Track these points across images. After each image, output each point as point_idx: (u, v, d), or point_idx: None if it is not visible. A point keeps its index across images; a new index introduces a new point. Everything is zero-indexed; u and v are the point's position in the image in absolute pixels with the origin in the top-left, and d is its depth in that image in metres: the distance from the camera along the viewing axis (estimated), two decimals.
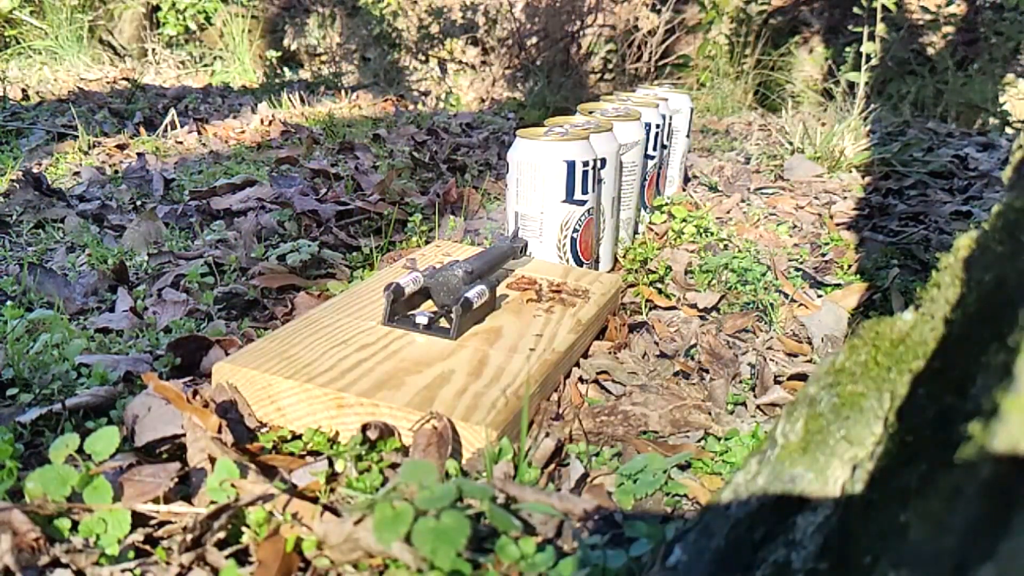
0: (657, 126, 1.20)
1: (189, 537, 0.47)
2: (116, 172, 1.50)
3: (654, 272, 1.03)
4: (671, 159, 1.37)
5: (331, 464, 0.57)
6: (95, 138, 1.74)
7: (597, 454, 0.63)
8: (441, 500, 0.45)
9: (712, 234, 1.18)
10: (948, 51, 2.98)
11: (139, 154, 1.61)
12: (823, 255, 1.14)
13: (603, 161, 0.99)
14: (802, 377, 0.78)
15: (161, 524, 0.52)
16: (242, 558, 0.49)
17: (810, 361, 0.83)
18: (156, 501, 0.52)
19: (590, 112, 1.14)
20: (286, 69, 3.62)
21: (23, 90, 2.27)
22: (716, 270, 1.03)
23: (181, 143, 1.79)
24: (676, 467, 0.61)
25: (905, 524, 0.32)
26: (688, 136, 1.42)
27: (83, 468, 0.51)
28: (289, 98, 2.38)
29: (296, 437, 0.63)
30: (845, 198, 1.41)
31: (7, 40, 2.94)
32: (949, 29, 3.05)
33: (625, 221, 1.15)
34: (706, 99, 2.93)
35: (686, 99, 1.40)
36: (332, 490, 0.55)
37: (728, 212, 1.33)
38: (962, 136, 2.14)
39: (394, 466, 0.58)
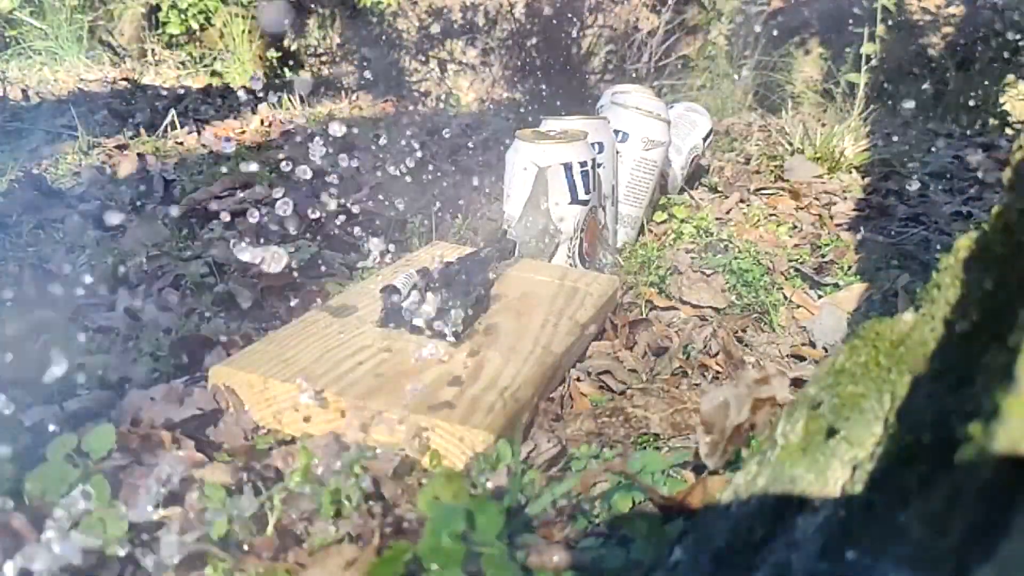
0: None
1: None
2: (116, 173, 1.50)
3: (654, 272, 1.03)
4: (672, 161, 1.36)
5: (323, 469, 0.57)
6: (95, 138, 1.74)
7: (598, 455, 0.63)
8: (448, 559, 0.42)
9: (712, 234, 1.18)
10: (948, 52, 2.98)
11: (139, 154, 1.60)
12: (823, 256, 1.14)
13: (600, 145, 0.99)
14: (802, 380, 0.78)
15: (159, 525, 0.51)
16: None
17: (803, 358, 0.83)
18: (155, 507, 0.52)
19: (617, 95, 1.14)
20: (286, 70, 3.61)
21: (23, 90, 2.27)
22: (718, 270, 1.03)
23: (181, 144, 1.79)
24: (676, 467, 0.61)
25: (905, 525, 0.32)
26: (702, 153, 1.40)
27: (81, 466, 0.51)
28: (289, 98, 2.38)
29: (292, 440, 0.63)
30: (845, 199, 1.41)
31: (7, 40, 2.94)
32: (949, 29, 3.05)
33: (634, 218, 1.15)
34: (706, 100, 2.92)
35: (704, 118, 1.40)
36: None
37: (728, 212, 1.33)
38: (962, 137, 2.14)
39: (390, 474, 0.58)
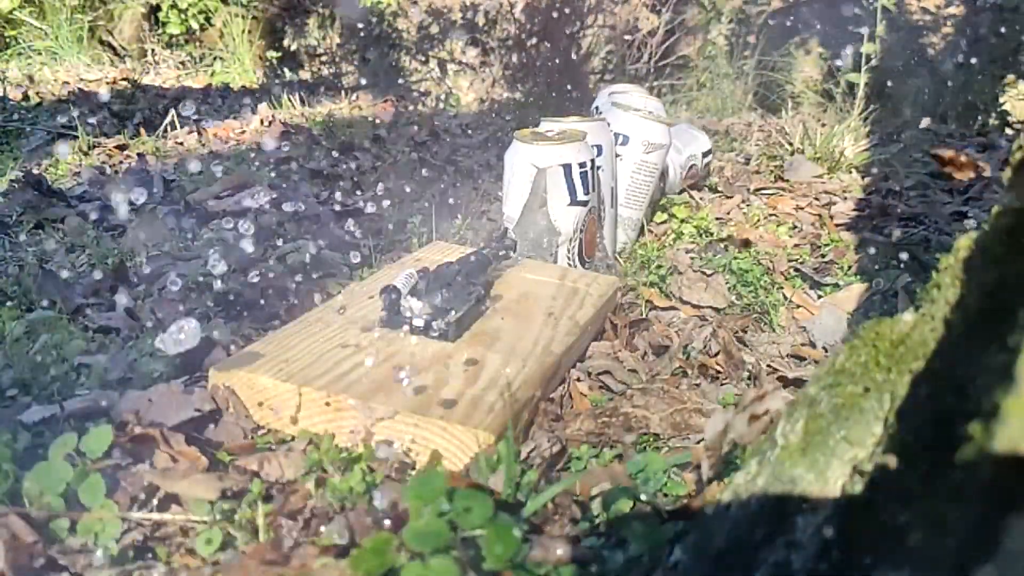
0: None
1: None
2: (116, 172, 1.50)
3: (654, 272, 1.03)
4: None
5: (323, 469, 0.57)
6: (95, 139, 1.74)
7: (598, 455, 0.63)
8: (431, 541, 0.41)
9: (712, 234, 1.18)
10: (948, 52, 2.98)
11: (139, 155, 1.61)
12: (823, 256, 1.14)
13: (599, 148, 0.99)
14: (802, 380, 0.78)
15: (159, 524, 0.51)
16: None
17: (803, 358, 0.83)
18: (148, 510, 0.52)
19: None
20: (286, 70, 3.62)
21: (23, 91, 2.27)
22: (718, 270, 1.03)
23: (181, 144, 1.79)
24: (676, 467, 0.61)
25: (905, 525, 0.32)
26: (701, 167, 1.41)
27: (80, 465, 0.51)
28: (289, 98, 2.38)
29: (292, 440, 0.63)
30: (845, 199, 1.41)
31: (7, 40, 2.94)
32: (949, 29, 3.05)
33: (634, 221, 1.15)
34: (706, 100, 2.92)
35: (705, 137, 1.42)
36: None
37: (728, 213, 1.33)
38: (962, 137, 2.14)
39: (390, 474, 0.58)
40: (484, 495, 0.46)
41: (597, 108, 1.30)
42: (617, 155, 1.08)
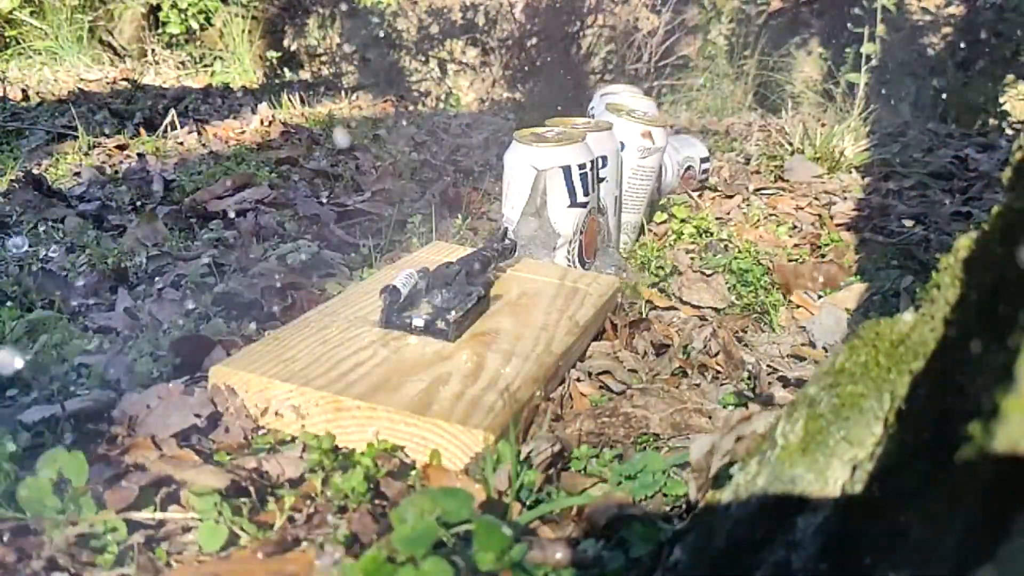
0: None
1: None
2: (116, 172, 1.50)
3: (654, 272, 1.03)
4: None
5: (324, 469, 0.57)
6: (95, 138, 1.74)
7: (598, 455, 0.63)
8: (421, 541, 0.42)
9: (712, 234, 1.18)
10: (948, 52, 2.98)
11: (139, 154, 1.60)
12: (823, 256, 1.14)
13: (603, 159, 0.99)
14: (802, 380, 0.78)
15: (160, 524, 0.52)
16: None
17: (803, 358, 0.83)
18: (151, 509, 0.51)
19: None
20: (286, 70, 3.62)
21: (23, 90, 2.27)
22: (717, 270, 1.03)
23: (181, 144, 1.79)
24: (676, 467, 0.61)
25: (905, 525, 0.32)
26: (697, 173, 1.42)
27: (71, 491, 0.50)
28: (289, 99, 2.38)
29: (293, 440, 0.63)
30: (845, 199, 1.41)
31: (7, 40, 2.94)
32: (949, 29, 3.05)
33: (633, 224, 1.15)
34: (706, 99, 2.93)
35: (703, 147, 1.43)
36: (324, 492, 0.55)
37: (728, 213, 1.33)
38: (962, 137, 2.14)
39: (391, 474, 0.57)
40: (463, 491, 0.46)
41: (592, 110, 1.31)
42: (619, 161, 1.08)
